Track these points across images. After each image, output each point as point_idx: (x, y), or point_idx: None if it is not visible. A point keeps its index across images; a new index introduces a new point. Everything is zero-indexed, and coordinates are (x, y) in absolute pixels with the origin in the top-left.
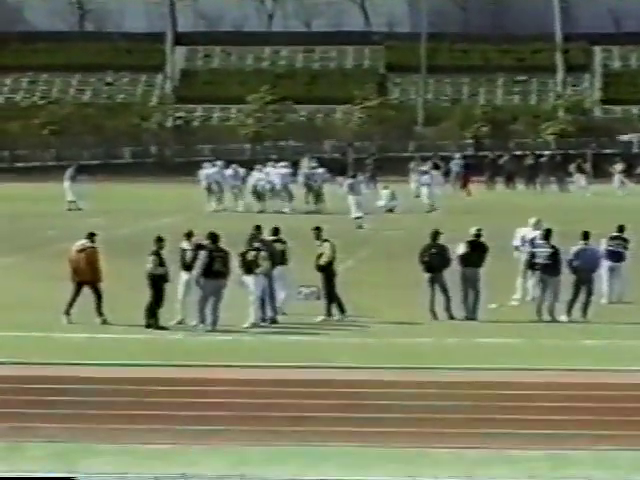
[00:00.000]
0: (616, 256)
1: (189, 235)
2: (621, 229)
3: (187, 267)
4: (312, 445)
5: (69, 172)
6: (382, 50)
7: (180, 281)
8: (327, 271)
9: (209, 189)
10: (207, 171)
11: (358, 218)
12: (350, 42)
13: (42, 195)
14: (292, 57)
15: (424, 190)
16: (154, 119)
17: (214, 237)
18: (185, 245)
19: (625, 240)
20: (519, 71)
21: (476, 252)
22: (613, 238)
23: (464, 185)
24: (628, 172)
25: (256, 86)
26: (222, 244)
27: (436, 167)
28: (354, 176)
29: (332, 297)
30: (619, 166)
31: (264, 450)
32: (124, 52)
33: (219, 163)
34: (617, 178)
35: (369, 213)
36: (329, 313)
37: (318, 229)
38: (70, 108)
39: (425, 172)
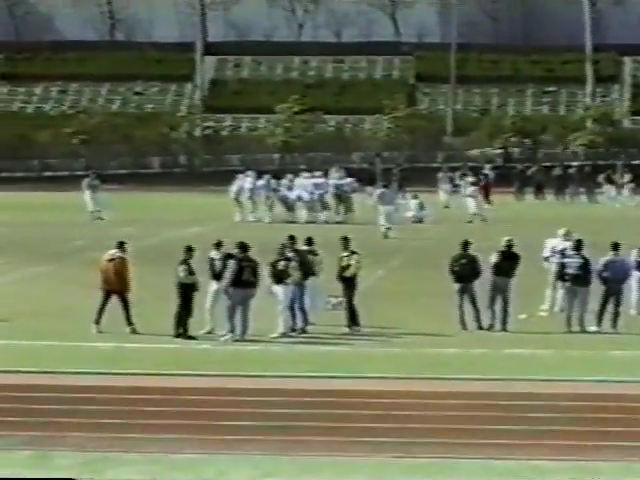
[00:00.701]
0: None
1: (218, 245)
2: None
3: (216, 276)
4: (342, 455)
5: (86, 181)
6: (411, 60)
7: (209, 291)
8: (352, 283)
9: (237, 199)
10: (240, 182)
11: (387, 229)
12: (380, 52)
13: (71, 204)
14: (321, 67)
15: (471, 201)
16: (183, 129)
17: (244, 247)
18: (214, 255)
19: None
20: (548, 82)
21: (507, 262)
22: None
23: (486, 196)
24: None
25: (285, 96)
26: (252, 254)
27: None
28: (385, 186)
29: (353, 309)
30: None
31: (294, 460)
32: (153, 62)
33: (250, 173)
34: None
35: (398, 224)
36: (350, 325)
37: (346, 239)
38: (99, 117)
39: (473, 183)
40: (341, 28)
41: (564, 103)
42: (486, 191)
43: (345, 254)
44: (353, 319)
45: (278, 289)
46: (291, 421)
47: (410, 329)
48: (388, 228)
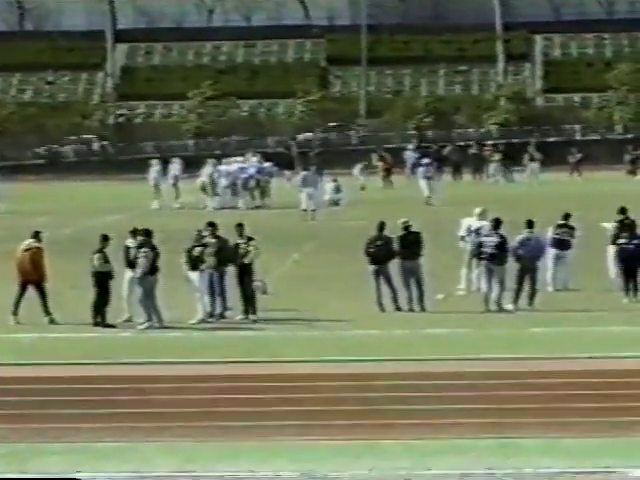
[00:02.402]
0: (562, 244)
1: (134, 232)
2: (567, 217)
3: (131, 264)
4: (263, 440)
5: None
6: (323, 43)
7: (124, 279)
8: (249, 269)
9: (156, 186)
10: (157, 168)
11: (313, 210)
12: (290, 36)
13: None
14: (233, 52)
15: (424, 182)
16: (96, 117)
17: (147, 233)
18: (130, 242)
19: (572, 228)
20: (460, 61)
21: (410, 244)
22: (559, 226)
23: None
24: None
25: (197, 82)
26: (174, 241)
27: (381, 159)
28: (306, 169)
29: (250, 296)
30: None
31: (216, 446)
32: (64, 51)
33: (176, 160)
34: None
35: (318, 207)
36: (247, 312)
37: (240, 226)
38: (11, 108)
39: (427, 164)
40: (251, 13)
41: (477, 82)
42: (387, 171)
43: (242, 241)
44: (250, 306)
45: (194, 275)
46: (211, 407)
47: (329, 312)
48: (313, 210)
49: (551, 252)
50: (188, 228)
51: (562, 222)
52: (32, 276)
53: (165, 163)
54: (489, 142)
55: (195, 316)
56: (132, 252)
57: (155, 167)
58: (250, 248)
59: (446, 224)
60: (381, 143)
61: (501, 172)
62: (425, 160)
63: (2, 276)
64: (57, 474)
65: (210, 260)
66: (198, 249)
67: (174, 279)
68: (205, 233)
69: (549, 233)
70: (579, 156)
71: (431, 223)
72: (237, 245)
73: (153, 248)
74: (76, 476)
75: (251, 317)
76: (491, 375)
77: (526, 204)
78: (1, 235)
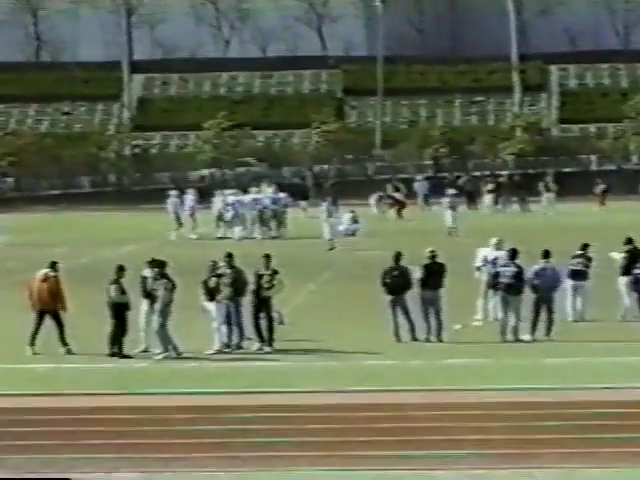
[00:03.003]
0: (579, 275)
1: (151, 263)
2: (585, 247)
3: (148, 295)
4: (279, 471)
5: None
6: (339, 74)
7: (141, 309)
8: (268, 301)
9: (177, 217)
10: (175, 200)
11: (331, 240)
12: (307, 66)
13: (1, 226)
14: (249, 83)
15: (449, 213)
16: (112, 148)
17: (162, 264)
18: (147, 273)
19: (589, 259)
20: (476, 92)
21: (433, 274)
22: (576, 257)
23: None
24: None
25: (213, 112)
26: (188, 272)
27: (396, 189)
28: (324, 200)
29: (272, 327)
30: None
31: (232, 477)
32: (81, 82)
33: (190, 191)
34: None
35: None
36: (263, 342)
37: (268, 257)
38: (28, 138)
39: (453, 195)
40: (267, 43)
41: (492, 113)
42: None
43: (266, 272)
44: (269, 337)
45: (210, 306)
46: (227, 438)
47: (345, 342)
48: (332, 240)
49: (569, 283)
50: (205, 258)
51: (580, 252)
52: (50, 306)
53: (182, 194)
54: (504, 172)
55: (212, 346)
56: (149, 282)
57: (173, 198)
58: (275, 282)
59: (462, 254)
60: (397, 173)
61: (504, 203)
62: (451, 191)
63: (18, 307)
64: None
65: (226, 291)
66: (214, 280)
67: (191, 310)
68: (221, 264)
69: (568, 265)
70: (603, 187)
71: (447, 253)
72: (261, 276)
73: (169, 279)
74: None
75: (266, 349)
76: (508, 406)
77: (542, 234)
78: (17, 266)
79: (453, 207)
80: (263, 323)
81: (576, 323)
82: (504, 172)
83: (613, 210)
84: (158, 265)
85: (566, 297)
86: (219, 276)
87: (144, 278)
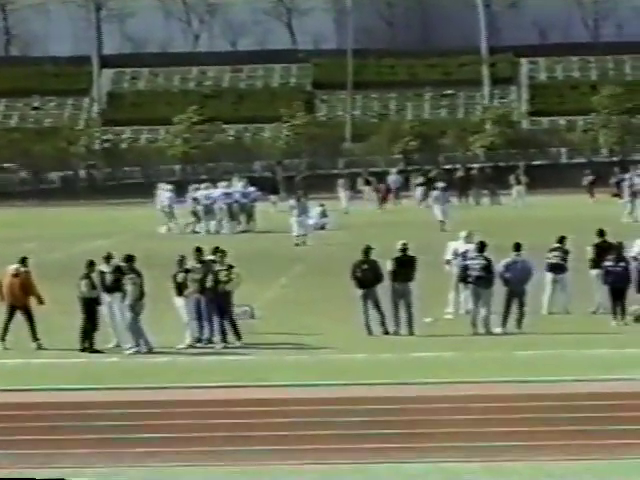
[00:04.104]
0: (557, 268)
1: (108, 258)
2: (561, 240)
3: (108, 290)
4: (250, 465)
5: None
6: (309, 67)
7: (104, 304)
8: (229, 296)
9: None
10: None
11: (300, 236)
12: (276, 60)
13: None
14: (219, 77)
15: (437, 207)
16: (82, 142)
17: (130, 258)
18: (104, 268)
19: (566, 252)
20: (446, 85)
21: (404, 266)
22: (553, 250)
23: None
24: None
25: (183, 107)
26: (159, 266)
27: (367, 183)
28: (299, 198)
29: (234, 322)
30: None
31: (202, 470)
32: (50, 76)
33: (165, 186)
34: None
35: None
36: (224, 339)
37: (223, 252)
38: None
39: (442, 189)
40: (237, 37)
41: (462, 106)
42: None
43: (222, 268)
44: (235, 334)
45: (179, 301)
46: (198, 432)
47: (316, 336)
48: (303, 235)
49: (547, 276)
50: (177, 252)
51: (557, 245)
52: (21, 301)
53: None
54: (475, 165)
55: (183, 341)
56: (107, 277)
57: (164, 191)
58: (233, 276)
59: (433, 247)
60: (367, 167)
61: (475, 196)
62: (440, 184)
63: None
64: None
65: (193, 286)
66: (181, 275)
67: (163, 303)
68: (190, 259)
69: (546, 258)
70: (591, 178)
71: (419, 246)
72: (217, 272)
73: (138, 274)
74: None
75: (237, 343)
76: (478, 398)
77: (512, 227)
78: None
79: (442, 201)
80: (218, 319)
81: (548, 315)
82: (475, 165)
83: (582, 204)
84: (126, 259)
85: (544, 290)
86: (187, 271)
87: (102, 273)
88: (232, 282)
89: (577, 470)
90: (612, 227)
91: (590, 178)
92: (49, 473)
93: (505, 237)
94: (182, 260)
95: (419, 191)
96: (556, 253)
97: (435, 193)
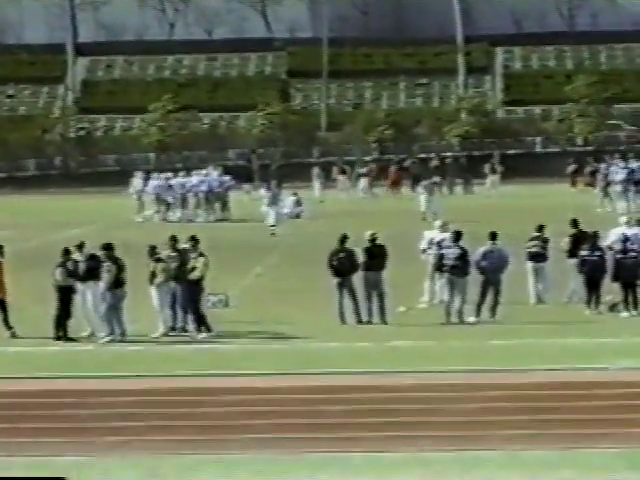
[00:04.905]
0: (537, 257)
1: (80, 246)
2: (540, 229)
3: (81, 278)
4: (225, 454)
5: None
6: (284, 56)
7: (78, 293)
8: (197, 286)
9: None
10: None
11: (274, 226)
12: (252, 49)
13: None
14: (194, 65)
15: (423, 197)
16: (57, 130)
17: (109, 247)
18: (77, 256)
19: (545, 240)
20: (421, 74)
21: (375, 256)
22: (533, 239)
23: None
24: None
25: (158, 95)
26: (135, 254)
27: (342, 172)
28: (267, 183)
29: (199, 313)
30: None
31: (177, 460)
32: (25, 64)
33: (138, 174)
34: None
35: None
36: (199, 329)
37: (195, 240)
38: None
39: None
40: (212, 26)
41: (437, 95)
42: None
43: (193, 255)
44: (202, 323)
45: (152, 290)
46: (172, 420)
47: (291, 325)
48: (274, 226)
49: (528, 265)
50: (152, 241)
51: (536, 234)
52: None
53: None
54: (449, 154)
55: (157, 330)
56: (80, 266)
57: (138, 179)
58: (198, 264)
59: (408, 236)
60: (342, 155)
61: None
62: (436, 178)
63: None
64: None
65: (162, 275)
66: (153, 264)
67: (137, 292)
68: (161, 248)
69: (526, 247)
70: (574, 167)
71: (393, 235)
72: (188, 261)
73: (116, 261)
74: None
75: (201, 335)
76: (451, 387)
77: (488, 216)
78: None
79: (428, 192)
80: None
81: (519, 305)
82: (449, 154)
83: (556, 193)
84: (104, 247)
85: (527, 280)
86: (158, 260)
87: (75, 262)
88: (196, 270)
89: (552, 459)
90: (589, 217)
91: (573, 167)
92: (49, 473)
93: (480, 226)
94: (153, 249)
95: (363, 182)
96: (535, 242)
97: (424, 182)
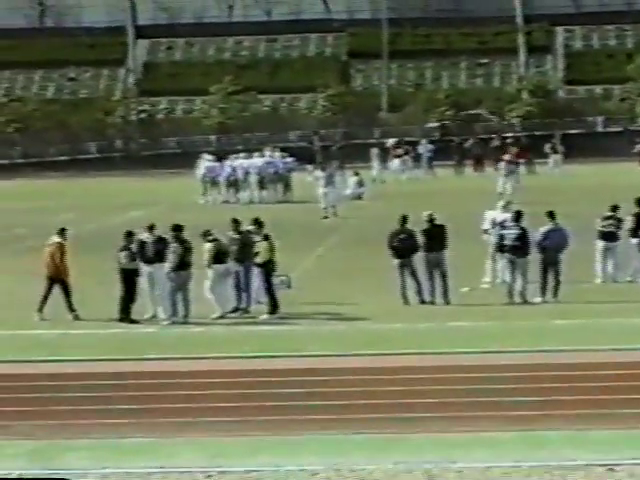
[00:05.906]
0: (610, 236)
1: (151, 228)
2: (614, 209)
3: (148, 260)
4: (288, 434)
5: None
6: (344, 37)
7: (143, 274)
8: (265, 268)
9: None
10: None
11: (327, 208)
12: (311, 30)
13: (10, 192)
14: (254, 47)
15: (501, 178)
16: (118, 113)
17: (178, 228)
18: (145, 237)
19: (619, 220)
20: (481, 54)
21: (434, 237)
22: (606, 218)
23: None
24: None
25: (219, 77)
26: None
27: (406, 152)
28: (328, 165)
29: (271, 294)
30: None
31: (241, 441)
32: (85, 47)
33: (206, 156)
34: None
35: (337, 202)
36: (272, 311)
37: (260, 223)
38: (34, 104)
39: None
40: (271, 7)
41: (498, 75)
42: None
43: (257, 239)
44: (274, 304)
45: (208, 271)
46: (236, 402)
47: (353, 306)
48: (333, 206)
49: (599, 244)
50: (214, 223)
51: (609, 214)
52: (53, 272)
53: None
54: (510, 134)
55: (215, 311)
56: (149, 247)
57: (205, 161)
58: (260, 249)
59: (471, 216)
60: (403, 136)
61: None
62: (507, 156)
63: (26, 273)
64: (81, 470)
65: (208, 257)
66: (207, 245)
67: (203, 274)
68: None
69: (597, 225)
70: None
71: (456, 215)
72: (254, 243)
73: (183, 243)
74: (66, 476)
75: (263, 317)
76: (514, 368)
77: (552, 195)
78: (25, 232)
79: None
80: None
81: (582, 284)
82: (510, 134)
83: (619, 172)
84: (174, 229)
85: (596, 259)
86: (211, 241)
87: (143, 242)
88: (260, 254)
89: (620, 439)
90: None
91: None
92: (49, 473)
93: (545, 206)
94: (207, 232)
95: (396, 162)
96: (610, 221)
97: (502, 164)
